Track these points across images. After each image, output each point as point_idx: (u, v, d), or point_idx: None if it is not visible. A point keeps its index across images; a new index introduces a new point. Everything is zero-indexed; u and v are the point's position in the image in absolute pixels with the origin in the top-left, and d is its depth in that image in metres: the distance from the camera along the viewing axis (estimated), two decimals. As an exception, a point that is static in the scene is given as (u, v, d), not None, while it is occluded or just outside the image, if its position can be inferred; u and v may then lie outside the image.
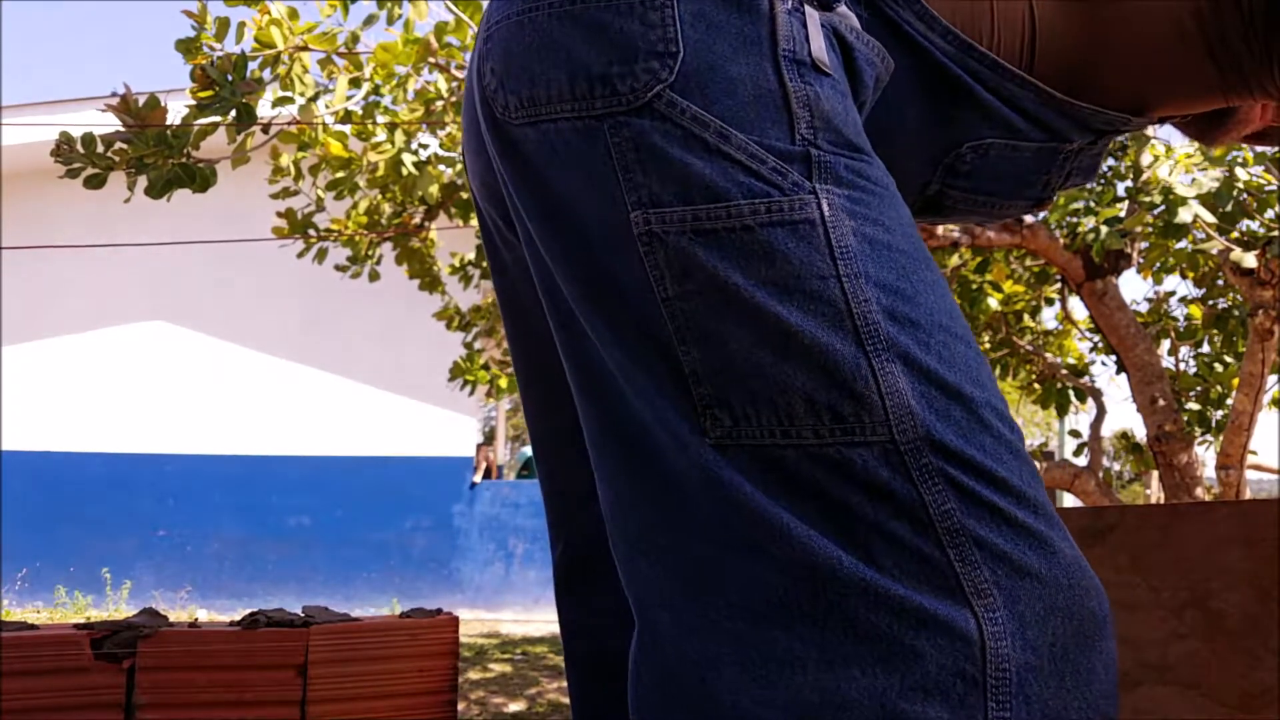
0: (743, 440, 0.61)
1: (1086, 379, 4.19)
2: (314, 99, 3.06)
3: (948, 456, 0.58)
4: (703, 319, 0.62)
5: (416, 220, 4.02)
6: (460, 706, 4.50)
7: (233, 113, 2.59)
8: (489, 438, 15.50)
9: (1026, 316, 4.20)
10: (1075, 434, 4.08)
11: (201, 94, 2.54)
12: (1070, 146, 0.83)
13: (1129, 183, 3.31)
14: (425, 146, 3.82)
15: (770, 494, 0.60)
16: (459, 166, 3.76)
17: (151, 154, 2.53)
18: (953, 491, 0.58)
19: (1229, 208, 2.56)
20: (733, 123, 0.64)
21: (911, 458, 0.58)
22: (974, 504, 0.58)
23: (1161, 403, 3.13)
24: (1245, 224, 2.80)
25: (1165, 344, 3.81)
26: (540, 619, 8.13)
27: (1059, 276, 3.64)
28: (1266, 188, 2.59)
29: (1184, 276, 3.61)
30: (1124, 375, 3.31)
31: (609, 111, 0.65)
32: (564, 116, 0.67)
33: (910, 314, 0.61)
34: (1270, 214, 2.63)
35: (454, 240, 5.13)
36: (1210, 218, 2.55)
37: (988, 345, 4.17)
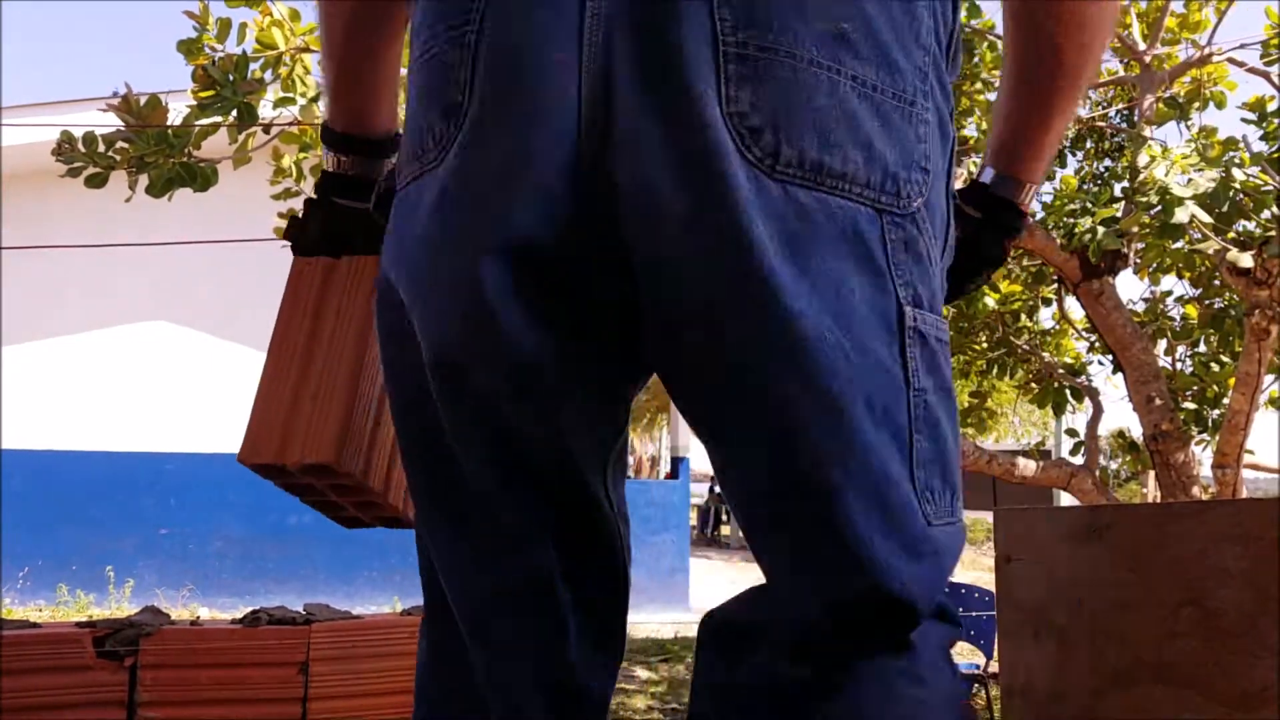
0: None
1: (1083, 378, 4.20)
2: (315, 100, 3.06)
3: None
4: (935, 414, 0.71)
5: (416, 220, 4.01)
6: (460, 705, 4.48)
7: (234, 113, 2.59)
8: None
9: (1024, 316, 4.20)
10: (1072, 433, 4.08)
11: (203, 94, 2.55)
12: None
13: (1125, 183, 3.32)
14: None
15: None
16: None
17: (153, 153, 2.53)
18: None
19: (1225, 208, 2.56)
20: (935, 248, 0.73)
21: None
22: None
23: (1158, 402, 3.14)
24: (1241, 224, 2.80)
25: (1162, 344, 3.82)
26: (539, 618, 8.12)
27: (1056, 276, 3.65)
28: (1263, 188, 2.60)
29: (1180, 276, 3.62)
30: (1121, 375, 3.31)
31: (890, 208, 0.69)
32: (852, 197, 0.67)
33: None
34: (1266, 214, 2.64)
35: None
36: (1207, 218, 2.55)
37: (985, 345, 4.18)
